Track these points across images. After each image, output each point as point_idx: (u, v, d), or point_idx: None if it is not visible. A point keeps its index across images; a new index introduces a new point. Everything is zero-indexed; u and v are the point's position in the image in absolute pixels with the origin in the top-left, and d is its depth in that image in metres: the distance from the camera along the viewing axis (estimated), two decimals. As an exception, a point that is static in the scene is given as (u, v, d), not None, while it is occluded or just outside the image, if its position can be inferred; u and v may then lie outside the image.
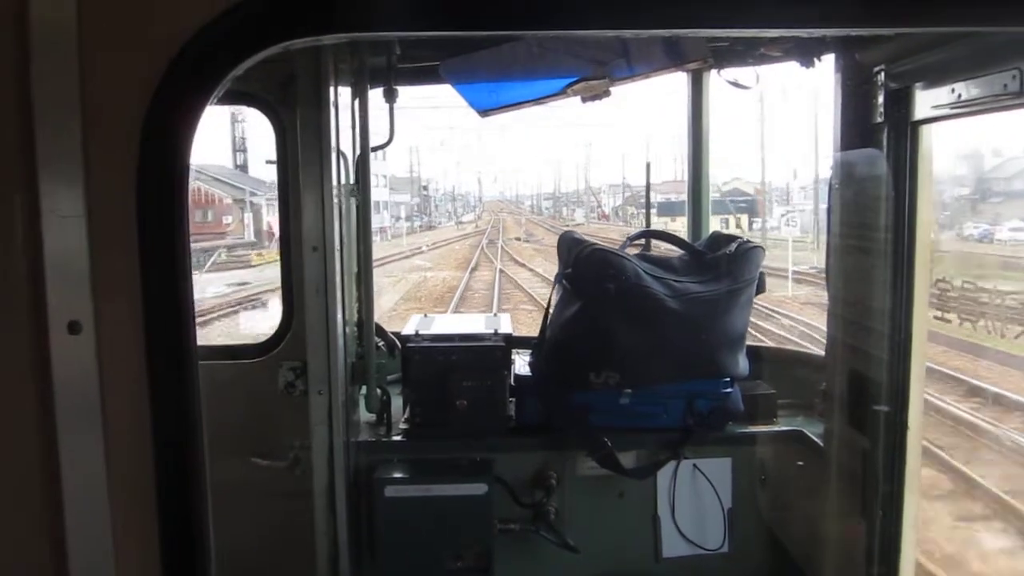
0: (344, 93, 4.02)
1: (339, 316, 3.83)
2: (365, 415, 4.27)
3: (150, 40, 1.61)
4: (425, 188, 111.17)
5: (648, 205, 5.93)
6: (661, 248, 4.61)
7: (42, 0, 1.57)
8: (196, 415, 1.69)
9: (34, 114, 1.58)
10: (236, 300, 27.89)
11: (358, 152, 4.13)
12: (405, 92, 4.36)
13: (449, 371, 4.03)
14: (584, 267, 3.98)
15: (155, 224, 1.64)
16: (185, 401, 1.68)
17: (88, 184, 1.60)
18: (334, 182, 3.79)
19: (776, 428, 4.27)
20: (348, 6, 1.70)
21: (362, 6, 1.72)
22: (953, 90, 3.05)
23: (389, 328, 4.51)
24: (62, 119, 1.58)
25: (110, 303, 1.62)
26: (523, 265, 41.32)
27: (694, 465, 4.23)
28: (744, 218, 59.39)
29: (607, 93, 4.34)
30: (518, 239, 63.36)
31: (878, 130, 3.47)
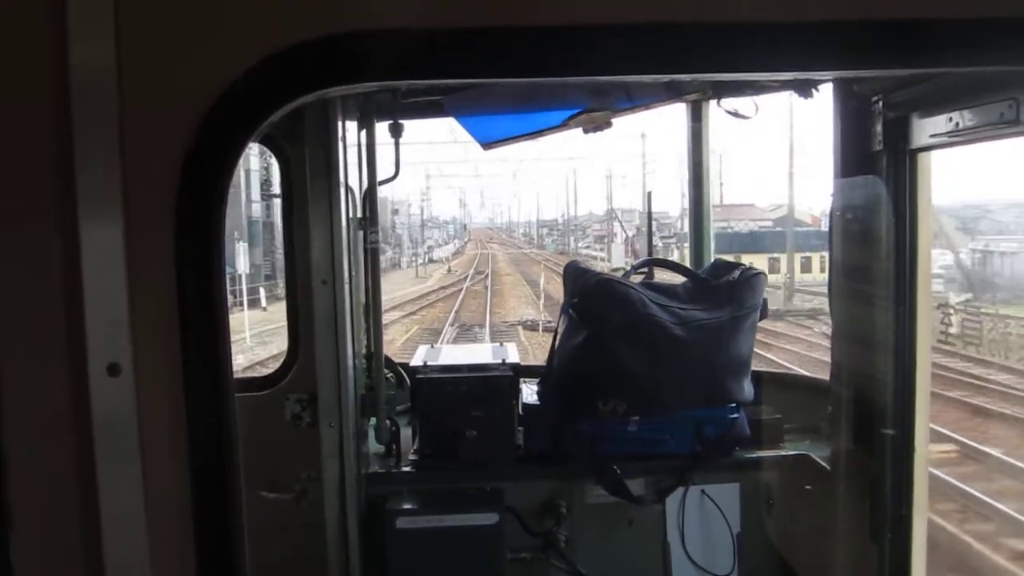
0: (350, 128, 4.07)
1: (349, 348, 3.86)
2: (374, 446, 4.28)
3: (189, 87, 1.65)
4: (396, 212, 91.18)
5: (650, 234, 5.92)
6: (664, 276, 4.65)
7: (82, 47, 1.61)
8: (235, 455, 1.71)
9: (74, 158, 1.61)
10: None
11: (365, 186, 4.17)
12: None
13: (458, 401, 4.06)
14: (591, 296, 4.02)
15: (192, 267, 1.67)
16: (224, 442, 1.71)
17: (127, 228, 1.63)
18: (343, 216, 3.83)
19: (783, 452, 4.30)
20: (378, 58, 1.76)
21: (390, 59, 1.77)
22: (951, 119, 3.12)
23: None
24: (102, 164, 1.62)
25: (149, 345, 1.64)
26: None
27: (702, 491, 4.25)
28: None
29: (608, 124, 4.41)
30: (532, 325, 29.09)
31: (877, 158, 3.54)
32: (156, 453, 1.65)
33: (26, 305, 1.66)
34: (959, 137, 3.11)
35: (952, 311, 28.83)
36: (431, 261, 76.72)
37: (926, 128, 3.32)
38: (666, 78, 3.42)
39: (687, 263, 4.87)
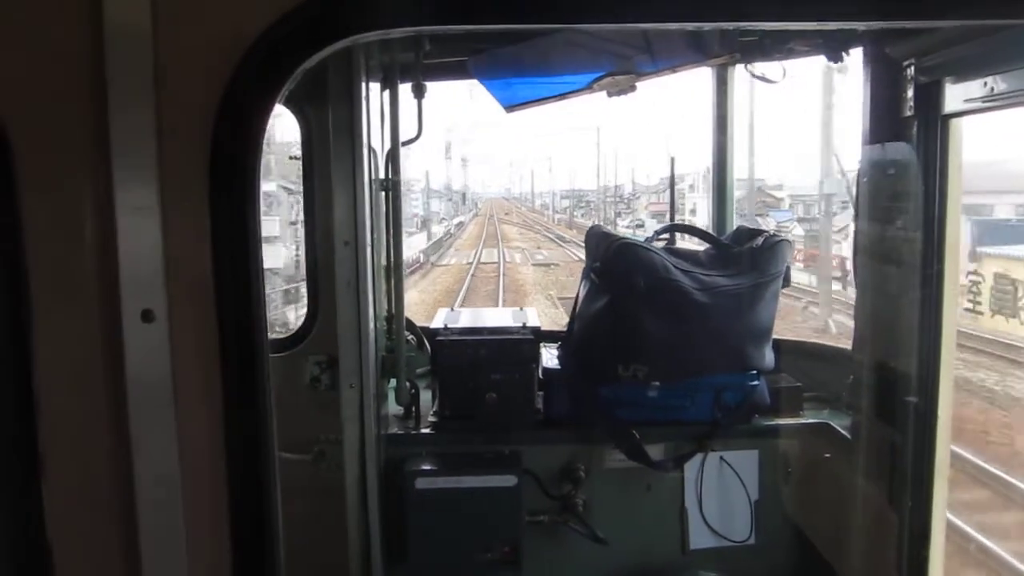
0: (373, 88, 4.04)
1: (370, 310, 3.86)
2: (394, 408, 4.30)
3: (222, 36, 1.64)
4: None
5: (672, 202, 5.87)
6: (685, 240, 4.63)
7: (116, 1, 1.60)
8: (267, 402, 1.72)
9: (109, 109, 1.61)
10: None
11: (388, 147, 4.15)
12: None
13: (478, 364, 4.07)
14: (613, 261, 4.00)
15: (226, 215, 1.67)
16: (256, 388, 1.71)
17: (161, 176, 1.63)
18: (365, 177, 3.81)
19: (802, 420, 4.30)
20: (408, 3, 1.74)
21: (420, 3, 1.75)
22: (985, 84, 3.07)
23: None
24: (136, 114, 1.62)
25: (183, 292, 1.65)
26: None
27: (721, 457, 4.26)
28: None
29: (633, 88, 4.36)
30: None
31: (908, 124, 3.48)
32: (190, 398, 1.67)
33: (62, 253, 1.66)
34: (994, 102, 3.06)
35: None
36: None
37: (959, 93, 3.26)
38: (695, 27, 3.31)
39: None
